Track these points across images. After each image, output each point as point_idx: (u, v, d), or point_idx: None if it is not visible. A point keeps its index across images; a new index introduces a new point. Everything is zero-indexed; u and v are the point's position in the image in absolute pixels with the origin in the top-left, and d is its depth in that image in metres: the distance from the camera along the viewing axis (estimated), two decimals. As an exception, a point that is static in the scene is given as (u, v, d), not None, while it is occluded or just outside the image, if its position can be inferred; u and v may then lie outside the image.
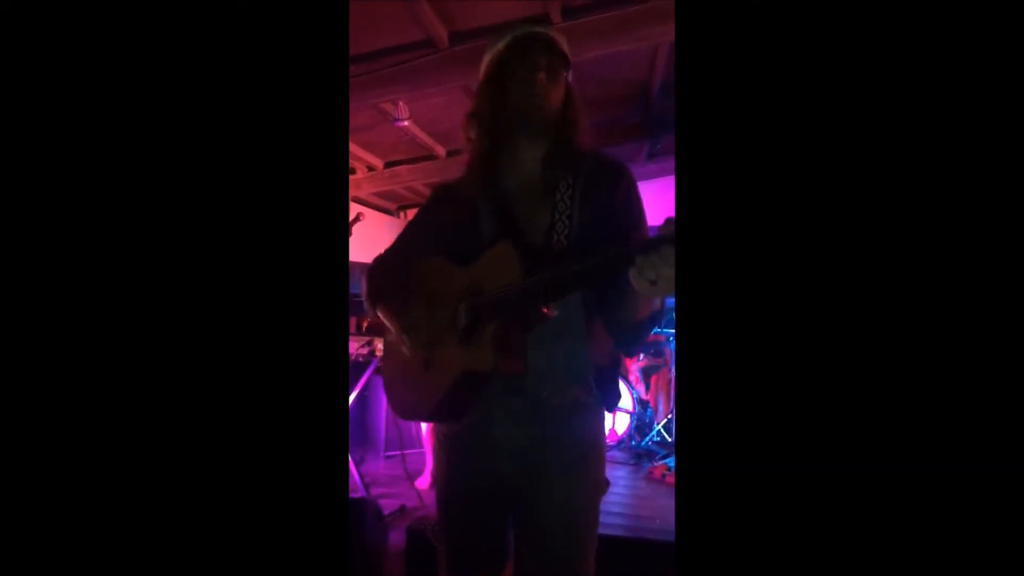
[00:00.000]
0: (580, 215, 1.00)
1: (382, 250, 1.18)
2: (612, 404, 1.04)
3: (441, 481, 1.09)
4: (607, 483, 1.05)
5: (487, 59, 1.09)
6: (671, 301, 0.70)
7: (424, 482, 3.02)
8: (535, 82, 1.01)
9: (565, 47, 1.05)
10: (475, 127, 1.07)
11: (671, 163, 4.26)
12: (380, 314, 1.08)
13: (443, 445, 1.08)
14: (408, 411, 1.15)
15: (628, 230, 1.00)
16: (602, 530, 1.03)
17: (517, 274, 0.89)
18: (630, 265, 0.73)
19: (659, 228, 0.72)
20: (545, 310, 0.89)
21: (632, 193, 1.03)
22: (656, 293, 0.74)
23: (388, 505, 2.59)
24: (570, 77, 1.06)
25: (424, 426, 3.14)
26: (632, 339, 1.00)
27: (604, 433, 1.08)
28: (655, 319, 0.93)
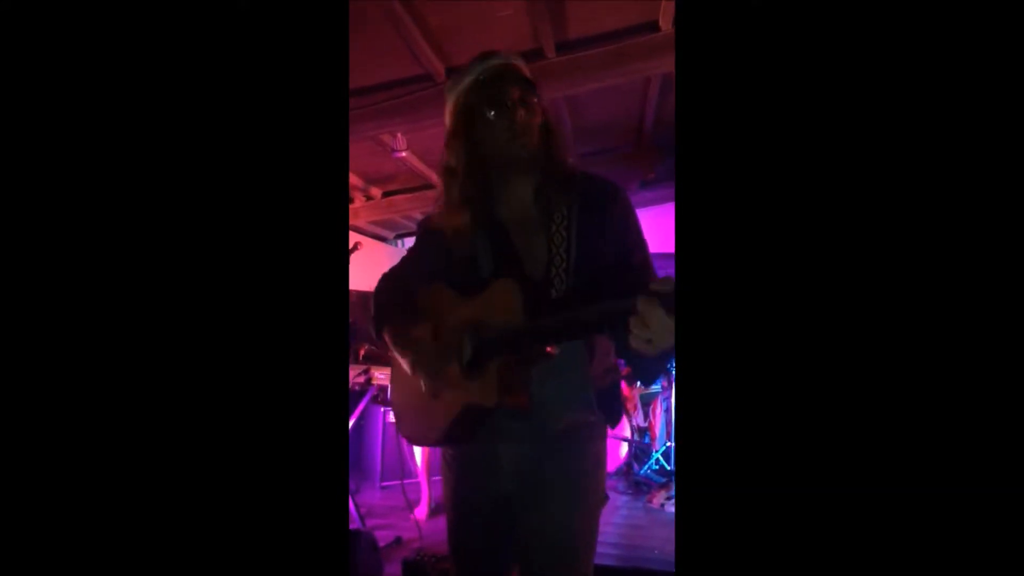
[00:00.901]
0: (578, 247, 0.98)
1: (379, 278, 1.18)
2: (615, 421, 1.05)
3: (449, 500, 1.10)
4: (606, 497, 1.06)
5: (451, 105, 1.02)
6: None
7: (422, 512, 2.97)
8: (514, 121, 0.95)
9: (527, 71, 1.00)
10: (455, 176, 1.01)
11: (664, 191, 4.32)
12: (387, 338, 1.06)
13: (450, 466, 1.10)
14: (417, 437, 1.17)
15: (626, 255, 1.00)
16: (600, 560, 1.04)
17: (520, 313, 0.89)
18: (626, 321, 0.71)
19: (654, 286, 0.70)
20: (549, 349, 0.90)
21: (627, 215, 1.02)
22: (652, 350, 0.71)
23: (384, 536, 2.55)
24: (540, 100, 0.99)
25: (419, 457, 3.10)
26: (650, 372, 1.02)
27: (605, 449, 1.09)
28: (669, 353, 0.93)
